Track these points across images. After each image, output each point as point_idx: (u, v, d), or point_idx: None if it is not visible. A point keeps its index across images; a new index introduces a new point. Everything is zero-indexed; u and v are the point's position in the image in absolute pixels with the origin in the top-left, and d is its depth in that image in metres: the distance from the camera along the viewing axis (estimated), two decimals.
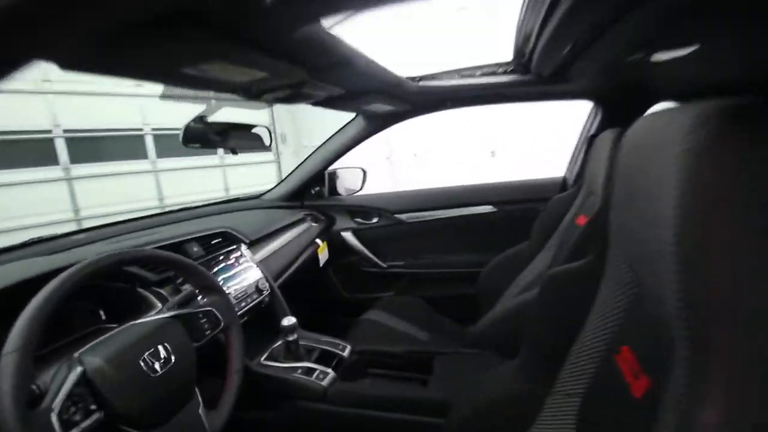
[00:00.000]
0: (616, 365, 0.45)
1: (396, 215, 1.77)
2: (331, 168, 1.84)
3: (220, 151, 6.12)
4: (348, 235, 1.82)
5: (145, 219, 1.32)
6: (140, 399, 0.59)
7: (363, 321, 1.40)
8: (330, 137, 1.67)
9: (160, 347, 0.64)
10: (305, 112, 6.57)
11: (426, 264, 1.77)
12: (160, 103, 5.34)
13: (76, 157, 4.58)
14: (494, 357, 1.01)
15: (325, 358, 1.08)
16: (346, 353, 1.09)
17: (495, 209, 1.68)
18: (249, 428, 1.05)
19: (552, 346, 0.61)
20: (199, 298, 0.82)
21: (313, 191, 1.83)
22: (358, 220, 1.83)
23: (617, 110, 1.39)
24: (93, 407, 0.55)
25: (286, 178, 1.81)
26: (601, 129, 1.36)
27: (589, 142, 1.40)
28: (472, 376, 0.93)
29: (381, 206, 1.79)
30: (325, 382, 0.96)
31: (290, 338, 1.05)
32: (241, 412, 1.07)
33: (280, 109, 6.68)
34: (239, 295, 1.07)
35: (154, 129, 5.39)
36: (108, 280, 0.88)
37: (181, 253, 1.04)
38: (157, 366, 0.63)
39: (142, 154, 5.26)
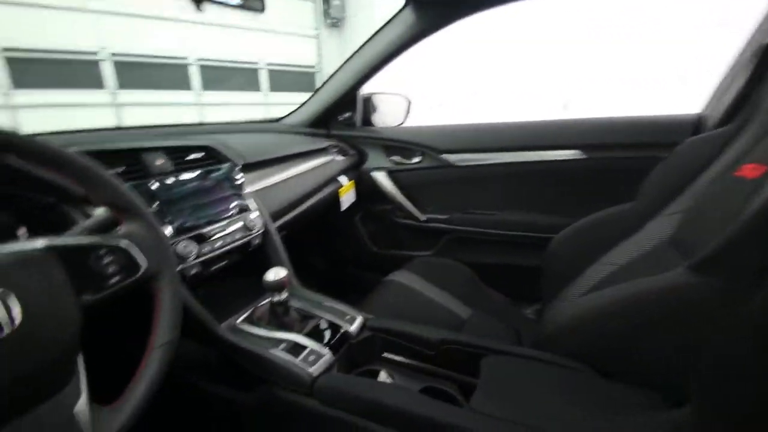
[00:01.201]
0: None
1: (444, 155, 1.37)
2: (365, 91, 1.46)
3: (264, 88, 5.91)
4: (380, 177, 1.46)
5: (123, 129, 1.04)
6: None
7: (388, 283, 1.07)
8: (365, 42, 1.26)
9: None
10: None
11: (476, 221, 1.38)
12: (206, 33, 5.11)
13: (121, 83, 4.51)
14: (580, 370, 0.65)
15: (325, 330, 0.77)
16: (353, 328, 0.77)
17: (585, 156, 1.23)
18: (217, 406, 0.79)
19: None
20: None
21: (341, 118, 1.47)
22: (396, 158, 1.45)
23: None
24: None
25: (309, 98, 1.45)
26: None
27: (765, 55, 0.90)
28: (548, 403, 0.58)
29: (426, 143, 1.39)
30: (314, 369, 0.66)
31: (277, 298, 0.75)
32: (208, 385, 0.81)
33: (328, 46, 6.20)
34: (215, 232, 0.77)
35: (199, 60, 5.18)
36: (22, 189, 0.60)
37: (140, 165, 0.75)
38: None
39: (187, 85, 5.11)
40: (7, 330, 0.35)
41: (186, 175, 0.78)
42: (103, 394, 0.45)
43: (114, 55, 4.36)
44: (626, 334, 0.61)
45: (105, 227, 0.52)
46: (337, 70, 1.37)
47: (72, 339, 0.41)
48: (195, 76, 5.18)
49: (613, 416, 0.53)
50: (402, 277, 1.10)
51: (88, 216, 0.62)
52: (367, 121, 1.50)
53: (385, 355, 0.80)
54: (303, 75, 6.23)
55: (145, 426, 0.89)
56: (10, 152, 0.43)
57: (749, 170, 0.71)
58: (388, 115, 1.52)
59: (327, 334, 0.75)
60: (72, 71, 4.07)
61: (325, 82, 1.42)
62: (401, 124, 1.49)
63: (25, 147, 0.43)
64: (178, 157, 0.83)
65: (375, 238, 1.60)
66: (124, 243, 0.48)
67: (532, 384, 0.62)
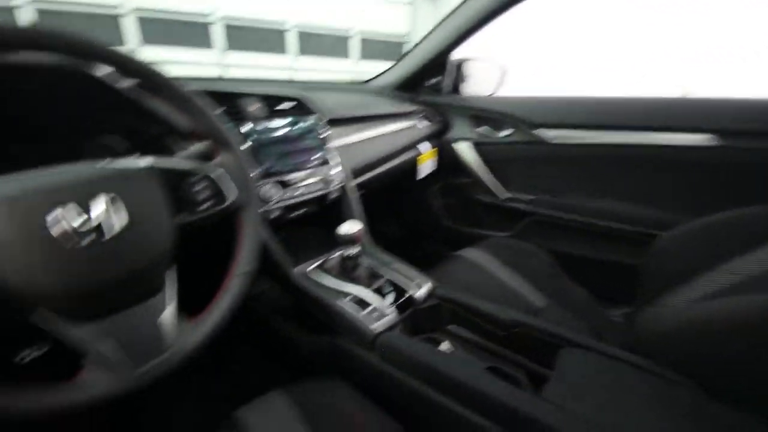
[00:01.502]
0: None
1: (537, 131, 1.25)
2: (457, 56, 1.37)
3: (354, 56, 5.95)
4: (464, 148, 1.38)
5: (224, 80, 1.11)
6: (40, 274, 0.34)
7: (458, 258, 1.02)
8: (460, 4, 1.17)
9: (97, 202, 0.37)
10: None
11: (566, 206, 1.25)
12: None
13: (228, 45, 4.86)
14: (680, 384, 0.55)
15: (391, 290, 0.76)
16: (420, 293, 0.75)
17: (719, 143, 1.02)
18: (288, 346, 0.84)
19: None
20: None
21: (429, 83, 1.40)
22: (483, 130, 1.36)
23: None
24: None
25: (398, 61, 1.41)
26: None
27: None
28: (636, 412, 0.50)
29: (518, 115, 1.27)
30: (377, 325, 0.65)
31: (348, 252, 0.75)
32: (282, 326, 0.85)
33: (422, 14, 6.00)
34: (297, 180, 0.79)
35: (296, 25, 5.37)
36: (136, 118, 0.66)
37: (237, 108, 0.78)
38: (84, 227, 0.36)
39: (282, 49, 5.35)
40: (110, 233, 0.38)
41: (276, 123, 0.80)
42: (186, 310, 0.48)
43: (223, 18, 4.70)
44: (755, 354, 0.50)
45: (201, 158, 0.55)
46: (429, 33, 1.30)
47: (165, 252, 0.44)
48: (292, 41, 5.40)
49: None
50: (474, 254, 1.04)
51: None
52: (456, 88, 1.42)
53: (450, 327, 0.77)
54: (393, 44, 6.16)
55: (226, 351, 0.98)
56: (131, 76, 0.45)
57: None
58: (479, 83, 1.42)
59: (393, 295, 0.74)
60: (188, 31, 4.49)
61: (416, 45, 1.37)
62: (493, 93, 1.38)
63: (143, 71, 0.45)
64: (271, 105, 0.85)
65: (450, 212, 1.54)
66: (216, 173, 0.50)
67: (618, 386, 0.54)
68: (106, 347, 0.39)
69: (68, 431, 0.84)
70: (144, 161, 0.45)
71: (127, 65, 0.44)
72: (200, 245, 0.62)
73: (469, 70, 1.42)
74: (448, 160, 1.41)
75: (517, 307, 0.88)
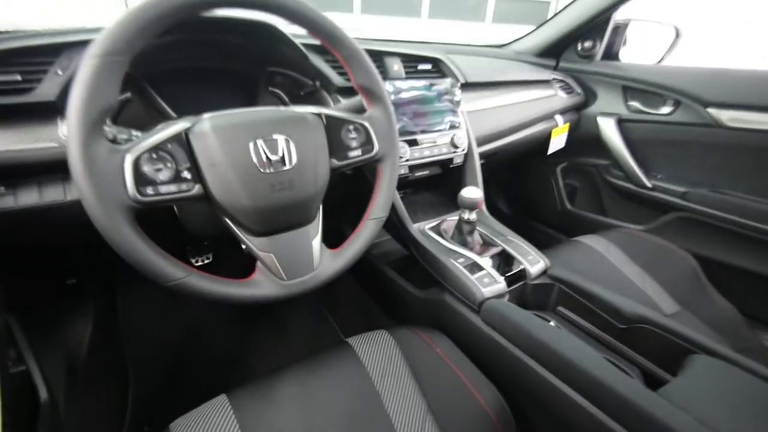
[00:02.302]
0: None
1: (711, 109, 1.04)
2: (620, 16, 1.19)
3: (488, 18, 5.56)
4: (607, 124, 1.23)
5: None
6: (237, 190, 0.44)
7: (577, 244, 0.96)
8: None
9: (280, 139, 0.46)
10: None
11: (729, 205, 1.04)
12: None
13: (363, 8, 5.00)
14: None
15: (504, 261, 0.76)
16: (533, 269, 0.73)
17: None
18: (394, 292, 0.91)
19: None
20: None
21: (580, 47, 1.26)
22: (635, 104, 1.18)
23: None
24: (186, 175, 0.43)
25: (543, 24, 1.29)
26: None
27: None
28: None
29: (688, 90, 1.07)
30: (487, 291, 0.67)
31: (467, 216, 0.77)
32: (392, 273, 0.93)
33: None
34: (426, 141, 0.82)
35: None
36: (297, 72, 0.76)
37: (380, 66, 0.84)
38: (269, 157, 0.45)
39: (413, 11, 5.28)
40: (288, 165, 0.47)
41: (414, 83, 0.84)
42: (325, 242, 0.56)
43: None
44: None
45: (354, 110, 0.61)
46: None
47: (322, 187, 0.52)
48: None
49: None
50: (596, 242, 0.96)
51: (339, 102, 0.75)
52: (610, 54, 1.25)
53: (560, 309, 0.74)
54: (535, 5, 5.56)
55: (339, 285, 1.11)
56: (309, 28, 0.51)
57: None
58: (642, 49, 1.23)
59: (505, 266, 0.74)
60: None
61: (568, 5, 1.23)
62: (660, 60, 1.18)
63: (321, 23, 0.51)
64: (410, 65, 0.89)
65: (572, 195, 1.42)
66: (367, 123, 0.56)
67: (748, 403, 0.47)
68: (270, 259, 0.48)
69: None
70: (313, 108, 0.52)
71: (310, 18, 0.49)
72: (337, 190, 0.71)
73: (633, 32, 1.23)
74: (582, 137, 1.28)
75: (645, 307, 0.80)
